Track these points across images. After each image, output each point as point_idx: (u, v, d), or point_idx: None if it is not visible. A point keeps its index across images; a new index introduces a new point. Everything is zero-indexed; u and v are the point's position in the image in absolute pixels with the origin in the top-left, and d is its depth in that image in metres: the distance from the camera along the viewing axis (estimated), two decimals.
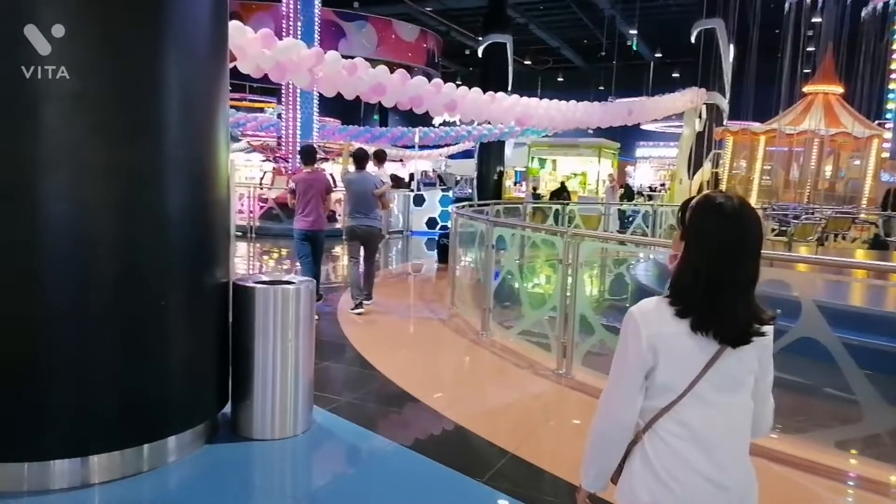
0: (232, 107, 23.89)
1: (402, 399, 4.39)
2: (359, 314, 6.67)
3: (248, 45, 7.92)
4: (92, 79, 2.91)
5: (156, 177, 3.20)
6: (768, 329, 1.49)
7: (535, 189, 20.13)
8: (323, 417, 3.93)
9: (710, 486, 1.45)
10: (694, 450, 1.46)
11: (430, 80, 10.65)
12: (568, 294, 5.04)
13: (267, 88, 24.52)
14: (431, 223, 15.41)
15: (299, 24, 15.02)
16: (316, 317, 6.59)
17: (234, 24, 7.84)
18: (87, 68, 2.90)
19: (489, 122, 15.33)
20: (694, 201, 1.53)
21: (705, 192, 1.66)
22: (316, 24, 15.32)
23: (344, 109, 30.98)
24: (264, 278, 3.79)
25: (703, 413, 1.47)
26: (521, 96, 12.96)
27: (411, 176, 18.72)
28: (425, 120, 29.41)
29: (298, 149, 9.44)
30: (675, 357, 1.48)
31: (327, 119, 27.70)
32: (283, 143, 15.56)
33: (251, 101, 29.09)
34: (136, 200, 3.11)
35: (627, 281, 9.56)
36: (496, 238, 6.13)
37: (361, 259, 7.07)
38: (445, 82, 10.85)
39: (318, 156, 7.35)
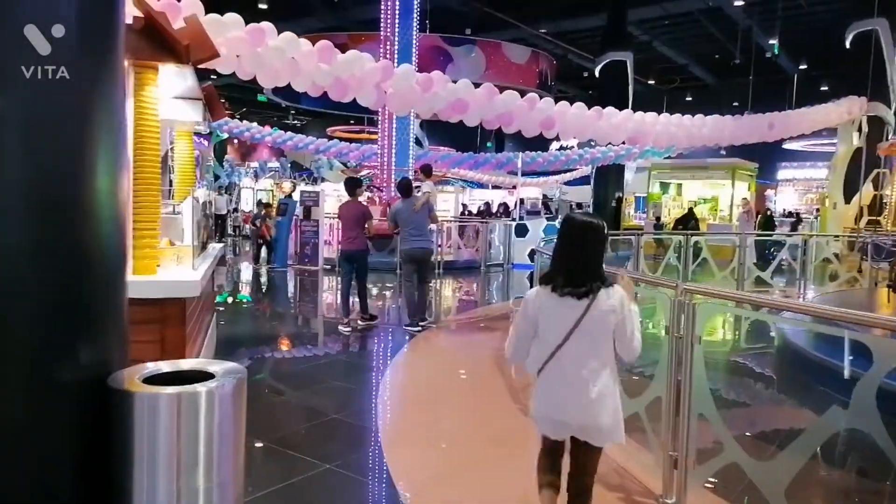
0: (350, 139, 23.59)
1: None
2: (412, 329, 7.08)
3: (303, 59, 6.81)
4: None
5: None
6: (614, 293, 2.37)
7: (657, 218, 17.79)
8: None
9: (571, 406, 2.38)
10: (560, 382, 2.39)
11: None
12: (679, 379, 3.24)
13: None
14: (535, 255, 13.70)
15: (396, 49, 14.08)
16: (348, 330, 7.15)
17: (285, 36, 6.76)
18: None
19: (600, 144, 13.51)
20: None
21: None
22: (413, 48, 14.27)
23: (458, 137, 30.09)
24: (165, 368, 2.38)
25: (572, 356, 2.37)
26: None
27: (519, 202, 17.08)
28: (545, 145, 27.75)
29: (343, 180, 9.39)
30: (552, 319, 2.40)
31: (440, 148, 26.85)
32: (378, 172, 14.56)
33: (370, 132, 28.94)
34: None
35: (772, 334, 7.35)
36: None
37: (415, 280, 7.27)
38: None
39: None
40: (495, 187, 29.69)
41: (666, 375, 3.36)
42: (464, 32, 22.52)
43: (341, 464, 3.63)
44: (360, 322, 7.32)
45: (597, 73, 22.44)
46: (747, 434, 4.09)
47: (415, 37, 14.45)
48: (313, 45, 7.01)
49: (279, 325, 8.02)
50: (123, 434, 2.15)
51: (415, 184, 8.43)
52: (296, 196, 13.60)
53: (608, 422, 2.36)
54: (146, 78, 3.73)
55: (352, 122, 31.79)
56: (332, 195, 17.63)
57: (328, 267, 12.90)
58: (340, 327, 7.16)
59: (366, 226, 7.27)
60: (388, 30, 14.20)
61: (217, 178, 31.02)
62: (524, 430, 4.22)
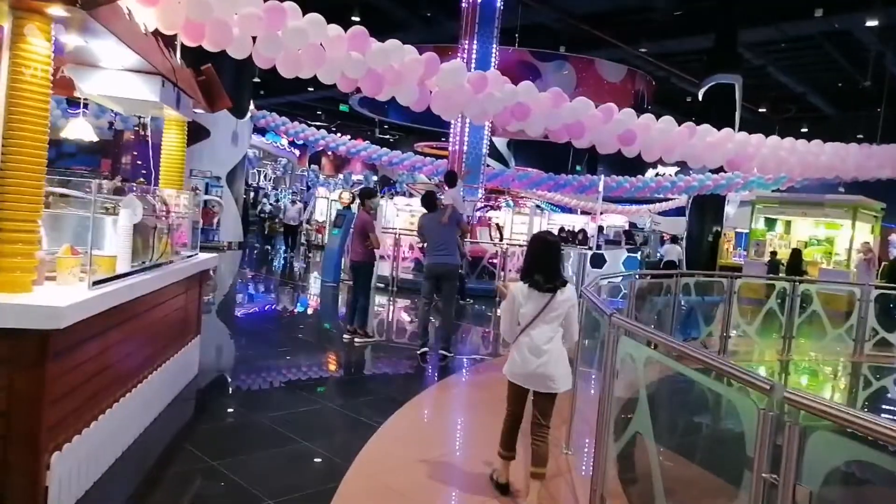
0: (436, 156, 22.70)
1: None
2: (422, 355, 6.61)
3: (331, 45, 5.75)
4: None
5: None
6: (567, 289, 3.34)
7: (773, 254, 15.40)
8: None
9: (534, 365, 3.27)
10: (527, 349, 3.30)
11: None
12: None
13: None
14: (613, 290, 12.03)
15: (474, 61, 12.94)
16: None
17: (311, 17, 5.73)
18: None
19: (693, 167, 11.72)
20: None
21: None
22: (493, 58, 13.07)
23: (547, 159, 28.55)
24: None
25: (537, 332, 3.29)
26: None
27: (598, 230, 15.37)
28: (640, 171, 25.60)
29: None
30: (527, 304, 3.31)
31: (526, 169, 25.43)
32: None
33: None
34: None
35: None
36: (622, 354, 2.96)
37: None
38: None
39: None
40: (584, 213, 27.85)
41: None
42: (557, 49, 21.13)
43: None
44: (356, 340, 7.17)
45: (700, 97, 20.39)
46: None
47: (494, 47, 13.25)
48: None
49: (287, 351, 6.94)
50: None
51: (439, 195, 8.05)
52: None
53: (560, 373, 3.32)
54: (26, 25, 2.71)
55: (443, 139, 31.04)
56: (405, 210, 16.69)
57: (381, 286, 11.82)
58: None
59: (368, 236, 7.28)
60: (467, 39, 13.10)
61: (309, 188, 31.06)
62: None
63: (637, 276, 7.28)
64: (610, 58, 21.99)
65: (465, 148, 12.94)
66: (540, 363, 3.25)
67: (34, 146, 2.79)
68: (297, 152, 32.78)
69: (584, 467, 3.98)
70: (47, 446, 2.74)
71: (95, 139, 5.55)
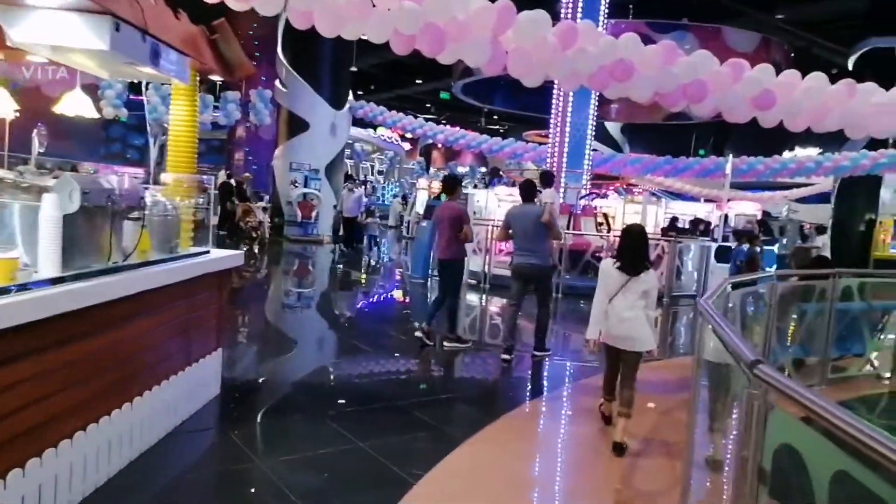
0: (538, 143, 21.12)
1: None
2: (506, 360, 5.90)
3: None
4: None
5: None
6: (648, 274, 3.94)
7: None
8: None
9: (618, 328, 3.91)
10: (614, 315, 3.91)
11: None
12: None
13: None
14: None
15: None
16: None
17: None
18: None
19: (854, 137, 9.45)
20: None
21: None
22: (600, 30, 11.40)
23: (666, 144, 25.84)
24: None
25: (620, 302, 3.89)
26: None
27: (723, 219, 13.18)
28: (777, 152, 22.37)
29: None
30: (612, 280, 3.94)
31: (641, 155, 23.12)
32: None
33: None
34: None
35: None
36: (774, 440, 1.53)
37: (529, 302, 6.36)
38: None
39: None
40: (709, 201, 24.95)
41: None
42: (679, 20, 18.76)
43: None
44: (445, 343, 6.31)
45: (850, 65, 17.27)
46: None
47: (602, 20, 11.58)
48: None
49: (338, 363, 5.90)
50: None
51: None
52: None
53: (641, 335, 3.91)
54: None
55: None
56: (507, 200, 15.36)
57: (473, 282, 10.62)
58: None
59: (460, 229, 6.16)
60: (570, 10, 11.53)
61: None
62: None
63: (777, 278, 5.53)
64: (742, 28, 19.25)
65: (566, 129, 11.39)
66: (623, 327, 3.89)
67: None
68: (408, 146, 32.33)
69: None
70: None
71: (96, 116, 4.76)
